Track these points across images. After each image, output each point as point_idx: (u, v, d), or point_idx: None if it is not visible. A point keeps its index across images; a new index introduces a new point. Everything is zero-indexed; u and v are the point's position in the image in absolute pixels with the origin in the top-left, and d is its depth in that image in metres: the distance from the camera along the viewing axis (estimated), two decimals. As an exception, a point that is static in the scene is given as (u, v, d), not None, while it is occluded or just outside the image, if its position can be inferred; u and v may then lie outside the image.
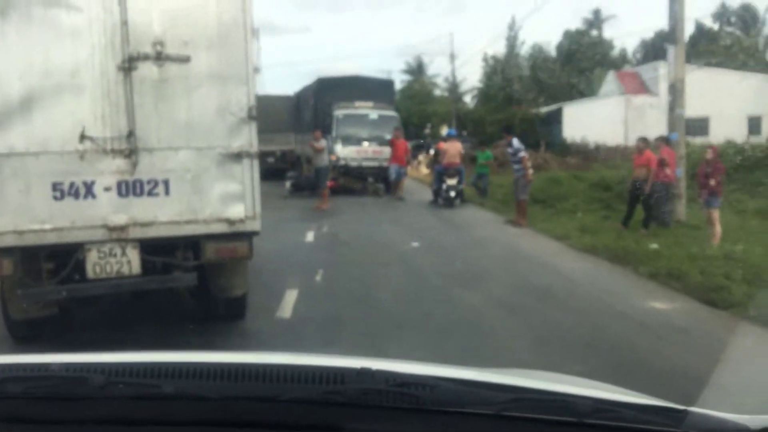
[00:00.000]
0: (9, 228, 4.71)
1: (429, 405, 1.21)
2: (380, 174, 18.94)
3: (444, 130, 27.84)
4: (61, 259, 4.94)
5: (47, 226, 4.77)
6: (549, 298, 6.96)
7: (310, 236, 11.50)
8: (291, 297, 6.85)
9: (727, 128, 26.30)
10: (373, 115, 19.60)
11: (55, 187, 4.78)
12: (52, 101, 4.72)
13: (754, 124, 31.83)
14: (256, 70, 5.34)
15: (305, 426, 1.23)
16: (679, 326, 5.83)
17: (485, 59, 45.41)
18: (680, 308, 6.55)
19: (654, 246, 9.77)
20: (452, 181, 15.86)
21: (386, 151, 18.42)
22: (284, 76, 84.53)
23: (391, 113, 20.01)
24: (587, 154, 28.18)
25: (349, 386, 1.23)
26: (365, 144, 19.22)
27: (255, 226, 5.22)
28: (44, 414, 1.29)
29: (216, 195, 5.11)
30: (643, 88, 35.72)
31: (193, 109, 5.00)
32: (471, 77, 66.93)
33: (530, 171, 13.05)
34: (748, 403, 1.63)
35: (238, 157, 5.16)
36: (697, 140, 21.21)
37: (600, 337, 5.56)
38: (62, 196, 4.79)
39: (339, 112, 19.24)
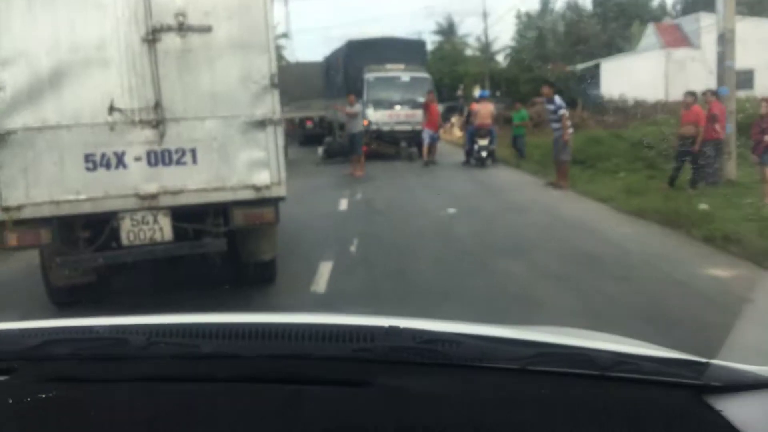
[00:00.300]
0: (45, 199, 4.88)
1: (455, 360, 1.25)
2: (413, 138, 18.47)
3: (477, 91, 27.29)
4: (96, 227, 5.11)
5: (82, 196, 4.93)
6: (599, 266, 6.54)
7: (343, 204, 11.20)
8: (326, 269, 6.56)
9: (773, 81, 25.01)
10: (405, 77, 19.06)
11: (88, 158, 4.93)
12: (81, 75, 4.83)
13: (802, 77, 30.32)
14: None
15: (336, 382, 1.26)
16: (744, 296, 5.36)
17: (518, 16, 44.21)
18: (743, 276, 6.03)
19: (704, 206, 9.27)
20: (484, 142, 16.20)
21: (419, 114, 17.87)
22: (314, 42, 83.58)
23: (424, 75, 19.42)
24: (626, 112, 27.26)
25: (378, 344, 1.27)
26: (397, 108, 18.73)
27: (281, 191, 5.33)
28: (91, 374, 1.34)
29: (242, 162, 5.21)
30: (684, 41, 34.30)
31: (217, 79, 5.08)
32: (503, 36, 65.17)
33: (569, 130, 12.45)
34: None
35: (262, 124, 5.23)
36: (741, 94, 20.21)
37: (659, 310, 5.12)
38: (95, 167, 4.94)
39: (370, 75, 18.74)
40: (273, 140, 5.26)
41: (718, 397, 1.15)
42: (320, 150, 19.39)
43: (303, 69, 25.13)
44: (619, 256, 6.98)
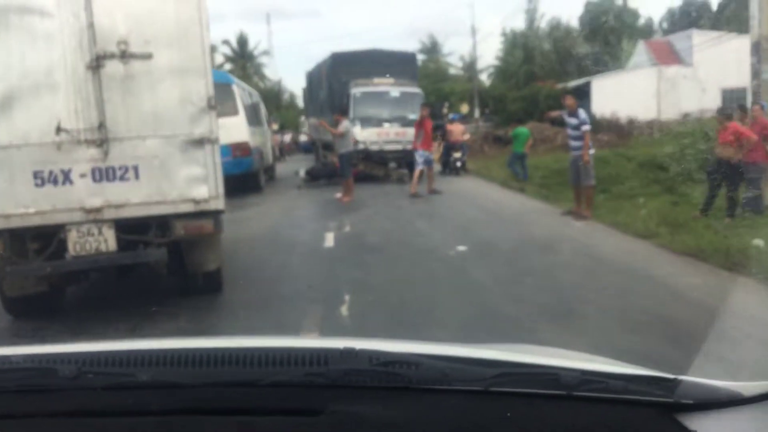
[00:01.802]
0: None
1: (414, 383, 1.19)
2: (404, 158, 16.81)
3: (464, 109, 27.41)
4: (45, 239, 5.44)
5: (31, 210, 5.29)
6: (687, 339, 4.75)
7: (329, 240, 9.34)
8: (310, 347, 4.71)
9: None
10: (394, 92, 17.48)
11: (36, 175, 5.28)
12: (30, 99, 5.20)
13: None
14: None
15: (286, 410, 1.18)
16: None
17: (504, 34, 43.20)
18: None
19: (758, 242, 7.72)
20: (457, 154, 19.12)
21: (410, 132, 16.13)
22: (296, 61, 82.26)
23: (414, 90, 17.84)
24: (620, 131, 26.33)
25: (332, 367, 1.20)
26: (386, 125, 17.10)
27: (219, 204, 5.69)
28: (12, 408, 1.23)
29: (182, 178, 5.56)
30: (675, 58, 33.66)
31: (158, 101, 5.44)
32: (486, 55, 64.51)
33: (591, 150, 10.77)
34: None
35: (200, 143, 5.58)
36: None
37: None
38: (43, 183, 5.30)
39: (356, 90, 17.11)
40: (211, 157, 5.59)
41: (691, 415, 1.12)
42: (301, 172, 17.64)
43: None
44: (705, 321, 5.13)
